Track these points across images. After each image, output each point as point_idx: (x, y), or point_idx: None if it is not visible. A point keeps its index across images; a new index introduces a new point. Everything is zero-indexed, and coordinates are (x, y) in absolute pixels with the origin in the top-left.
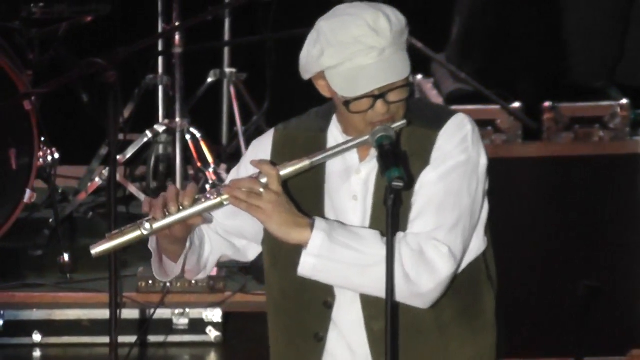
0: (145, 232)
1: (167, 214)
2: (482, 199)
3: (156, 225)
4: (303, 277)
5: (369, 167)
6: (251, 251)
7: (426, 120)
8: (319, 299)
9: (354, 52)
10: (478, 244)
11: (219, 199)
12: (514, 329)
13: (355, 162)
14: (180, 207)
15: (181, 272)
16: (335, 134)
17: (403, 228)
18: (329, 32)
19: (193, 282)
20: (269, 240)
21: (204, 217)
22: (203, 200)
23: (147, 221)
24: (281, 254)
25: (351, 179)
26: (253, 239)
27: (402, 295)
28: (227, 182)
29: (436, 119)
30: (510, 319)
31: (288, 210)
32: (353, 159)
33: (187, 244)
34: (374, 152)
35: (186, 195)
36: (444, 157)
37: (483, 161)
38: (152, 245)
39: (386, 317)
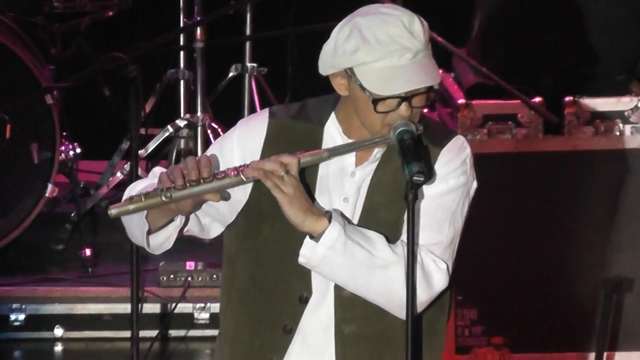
0: (164, 199)
1: (187, 185)
2: (465, 219)
3: (176, 194)
4: (280, 269)
5: (365, 172)
6: (213, 230)
7: (430, 135)
8: (294, 293)
9: (389, 51)
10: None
11: (240, 176)
12: (536, 323)
13: (351, 166)
14: (201, 180)
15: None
16: (332, 132)
17: (393, 236)
18: (366, 28)
19: (214, 276)
20: (242, 225)
21: (221, 195)
22: (222, 175)
23: (167, 189)
24: (258, 242)
25: (344, 181)
26: (218, 219)
27: (394, 303)
28: (207, 153)
29: (438, 136)
30: (532, 314)
31: (306, 198)
32: (349, 162)
33: (181, 219)
34: (373, 157)
35: (204, 166)
36: (447, 176)
37: (475, 185)
38: (136, 228)
39: (407, 321)
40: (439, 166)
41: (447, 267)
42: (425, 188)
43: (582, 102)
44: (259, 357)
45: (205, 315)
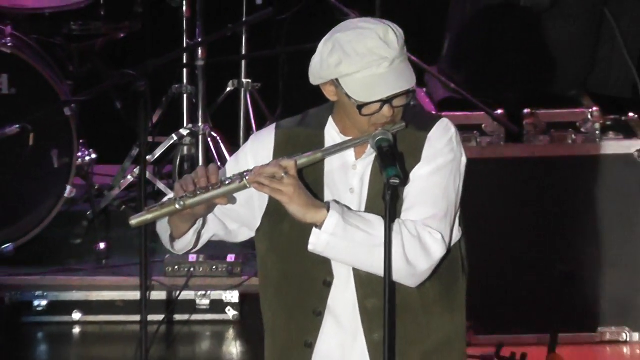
0: (178, 207)
1: (197, 193)
2: (460, 193)
3: (188, 201)
4: (304, 259)
5: (365, 164)
6: (241, 235)
7: (416, 123)
8: (318, 278)
9: (369, 62)
10: (456, 233)
11: (243, 182)
12: (498, 308)
13: (352, 159)
14: (210, 187)
15: (193, 247)
16: (332, 133)
17: (394, 216)
18: (346, 43)
19: (214, 267)
20: (267, 227)
21: (229, 199)
22: (228, 182)
23: (180, 198)
24: (281, 240)
25: (348, 173)
26: (246, 224)
27: (399, 275)
28: (226, 166)
29: (425, 122)
30: (494, 300)
31: (306, 194)
32: (350, 157)
33: (199, 222)
34: (369, 150)
35: (212, 173)
36: (435, 155)
37: (464, 160)
38: (163, 234)
39: (384, 294)
40: (428, 148)
41: (442, 236)
42: (417, 168)
43: (539, 114)
44: (296, 341)
45: (205, 302)
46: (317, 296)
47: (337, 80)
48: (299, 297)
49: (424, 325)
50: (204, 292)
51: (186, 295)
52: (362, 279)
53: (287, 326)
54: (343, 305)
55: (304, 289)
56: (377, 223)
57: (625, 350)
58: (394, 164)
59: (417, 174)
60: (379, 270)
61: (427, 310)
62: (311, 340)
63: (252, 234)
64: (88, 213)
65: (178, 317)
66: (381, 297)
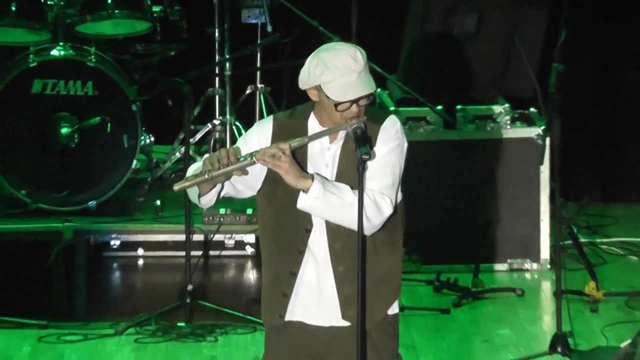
0: (207, 177)
1: (220, 167)
2: (403, 169)
3: (214, 173)
4: (292, 213)
5: (336, 147)
6: (246, 194)
7: (373, 117)
8: (302, 227)
9: (342, 73)
10: (399, 197)
11: (253, 159)
12: (438, 247)
13: (327, 144)
14: (229, 163)
15: (215, 202)
16: (312, 124)
17: (355, 186)
18: (326, 59)
19: (237, 217)
20: (266, 189)
21: (243, 171)
22: (242, 159)
23: (209, 171)
24: (276, 198)
25: (324, 153)
26: (250, 187)
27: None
28: (238, 143)
29: (379, 117)
30: (435, 241)
31: (297, 168)
32: (325, 141)
33: (219, 186)
34: (340, 137)
35: (231, 154)
36: (386, 141)
37: (406, 145)
38: (192, 194)
39: (358, 242)
40: (381, 136)
41: (391, 200)
42: (374, 151)
43: (468, 109)
44: (284, 271)
45: (231, 242)
46: (300, 239)
47: (319, 85)
48: (287, 240)
49: (374, 261)
50: (230, 235)
51: (217, 237)
52: (332, 228)
53: (278, 260)
54: (318, 246)
55: (291, 234)
56: (346, 190)
57: (527, 275)
58: (365, 145)
59: (375, 154)
60: (346, 223)
61: (377, 250)
62: (295, 270)
63: (254, 194)
64: (148, 179)
65: (212, 252)
66: (345, 240)
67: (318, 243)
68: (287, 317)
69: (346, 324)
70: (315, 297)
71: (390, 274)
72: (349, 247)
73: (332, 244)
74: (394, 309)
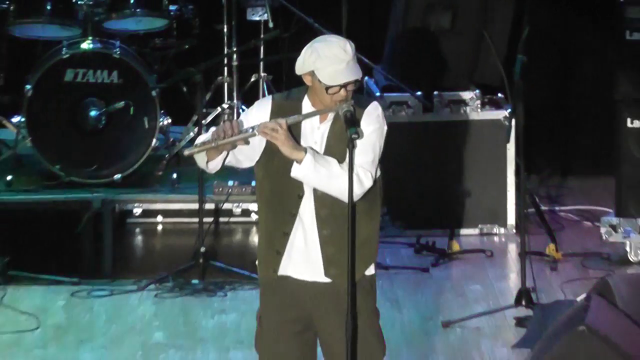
0: (214, 145)
1: (225, 137)
2: (382, 148)
3: (220, 142)
4: (286, 181)
5: (325, 127)
6: (245, 164)
7: (358, 103)
8: (294, 194)
9: (333, 61)
10: (378, 173)
11: (254, 132)
12: (418, 213)
13: (317, 123)
14: (233, 134)
15: (220, 168)
16: (306, 105)
17: (341, 160)
18: (320, 49)
19: (244, 188)
20: (264, 160)
21: (245, 142)
22: (244, 131)
23: (215, 139)
24: (272, 167)
25: (314, 132)
26: (249, 158)
27: (344, 195)
28: (241, 118)
29: (363, 102)
30: (417, 208)
31: (293, 141)
32: (316, 121)
33: (224, 153)
34: (329, 118)
35: (235, 126)
36: (369, 123)
37: (385, 128)
38: (201, 160)
39: (348, 209)
40: (364, 119)
41: (371, 174)
42: (360, 130)
43: (443, 94)
44: (278, 232)
45: (238, 210)
46: (293, 204)
47: (313, 71)
48: (281, 204)
49: (356, 227)
50: (237, 204)
51: (226, 206)
52: (319, 196)
53: (273, 223)
54: (307, 211)
55: (285, 199)
56: (334, 163)
57: (496, 239)
58: (354, 126)
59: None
60: (332, 192)
61: (358, 218)
62: (287, 231)
63: (252, 165)
64: (166, 156)
65: (221, 219)
66: (330, 207)
67: (307, 208)
68: (280, 272)
69: (328, 280)
70: (303, 256)
71: (368, 239)
72: (333, 213)
73: (318, 210)
74: (371, 270)
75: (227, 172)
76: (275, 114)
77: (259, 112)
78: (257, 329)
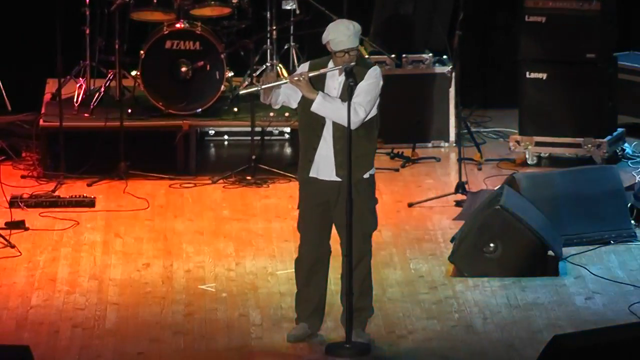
0: (259, 88)
1: (267, 83)
2: (378, 96)
3: (264, 86)
4: (313, 115)
5: (341, 78)
6: (293, 104)
7: (364, 64)
8: (320, 122)
9: (339, 35)
10: (375, 112)
11: (286, 80)
12: (391, 131)
13: (337, 76)
14: (273, 82)
15: (275, 103)
16: (330, 65)
17: (346, 99)
18: (332, 28)
19: (279, 118)
20: (301, 101)
21: (284, 87)
22: (280, 79)
23: (260, 84)
24: (305, 107)
25: (335, 81)
26: (293, 99)
27: (346, 122)
28: (295, 73)
29: (367, 65)
30: (390, 128)
31: (310, 86)
32: (336, 75)
33: (275, 93)
34: (343, 74)
35: (276, 75)
36: (369, 77)
37: (381, 82)
38: (263, 99)
39: (347, 131)
40: (367, 75)
41: (364, 109)
42: (362, 82)
43: (408, 56)
44: (310, 147)
45: (276, 131)
46: (319, 128)
47: (329, 42)
48: (311, 129)
49: (356, 145)
50: (276, 128)
51: (269, 129)
52: (334, 124)
53: (306, 141)
54: (327, 133)
55: (313, 126)
56: (337, 101)
57: (442, 149)
58: (351, 77)
59: (361, 84)
60: (337, 119)
61: (358, 137)
62: (315, 146)
63: (296, 105)
64: (230, 95)
65: (266, 138)
66: (342, 131)
67: (328, 132)
68: (311, 174)
69: (338, 179)
70: (324, 162)
71: (366, 153)
72: (344, 135)
73: (334, 132)
74: (369, 174)
75: (270, 109)
76: (310, 69)
77: (302, 69)
78: (299, 213)
